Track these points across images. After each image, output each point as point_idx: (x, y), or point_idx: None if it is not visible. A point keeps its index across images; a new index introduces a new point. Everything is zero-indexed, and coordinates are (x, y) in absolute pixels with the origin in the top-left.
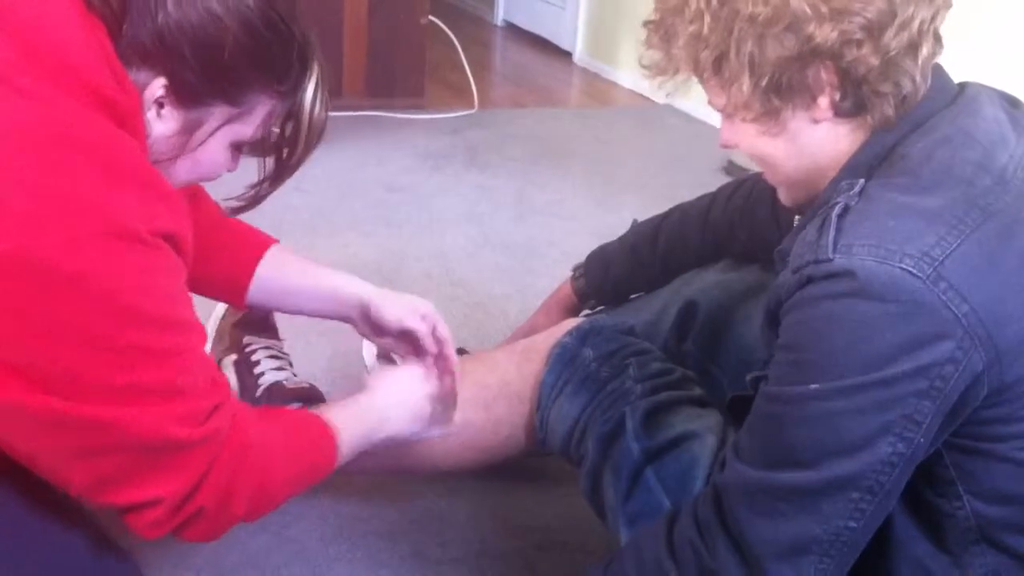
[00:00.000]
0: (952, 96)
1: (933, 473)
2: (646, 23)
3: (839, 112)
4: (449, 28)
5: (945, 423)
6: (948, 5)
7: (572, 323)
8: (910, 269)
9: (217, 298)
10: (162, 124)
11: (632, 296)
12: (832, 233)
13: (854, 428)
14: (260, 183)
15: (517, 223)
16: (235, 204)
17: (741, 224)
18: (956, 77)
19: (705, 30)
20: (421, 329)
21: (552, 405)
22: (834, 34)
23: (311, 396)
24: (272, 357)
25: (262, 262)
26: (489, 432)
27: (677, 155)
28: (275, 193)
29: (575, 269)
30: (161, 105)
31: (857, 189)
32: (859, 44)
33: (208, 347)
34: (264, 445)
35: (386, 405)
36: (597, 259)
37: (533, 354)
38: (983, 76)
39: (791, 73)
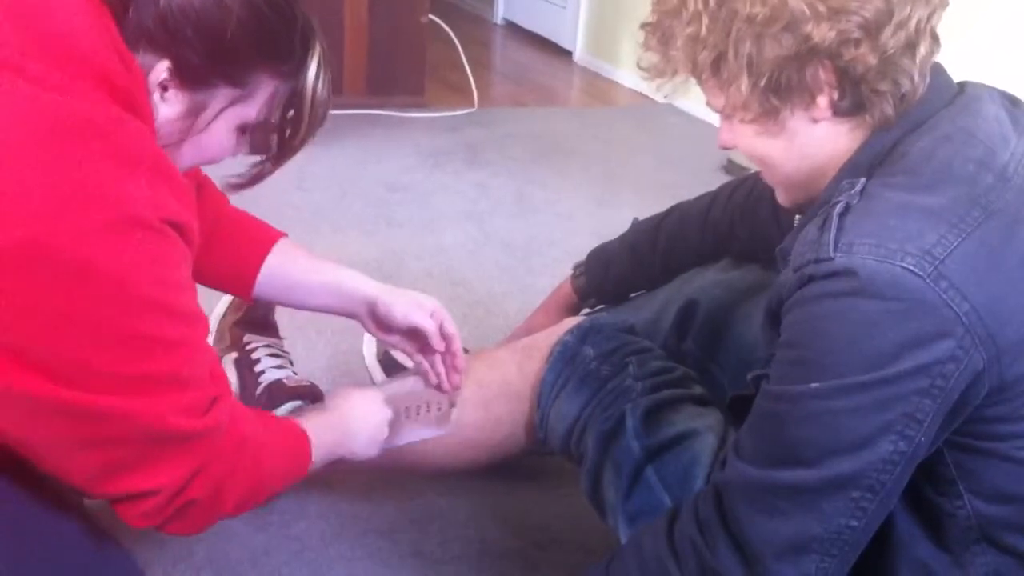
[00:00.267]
0: (952, 95)
1: (934, 472)
2: (643, 25)
3: (838, 111)
4: (449, 27)
5: (946, 422)
6: (945, 4)
7: (573, 322)
8: (911, 268)
9: (224, 290)
10: (167, 107)
11: (632, 295)
12: (833, 232)
13: (855, 427)
14: (263, 161)
15: (517, 222)
16: (236, 181)
17: (742, 223)
18: (953, 76)
19: (703, 31)
20: (429, 326)
21: (552, 403)
22: (832, 33)
23: (311, 394)
24: (272, 355)
25: (270, 256)
26: (489, 430)
27: (677, 154)
28: (275, 191)
29: (575, 268)
30: (165, 88)
31: (858, 188)
32: (857, 43)
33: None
34: (256, 440)
35: (350, 423)
36: (597, 258)
37: (534, 352)
38: (980, 75)
39: (789, 73)
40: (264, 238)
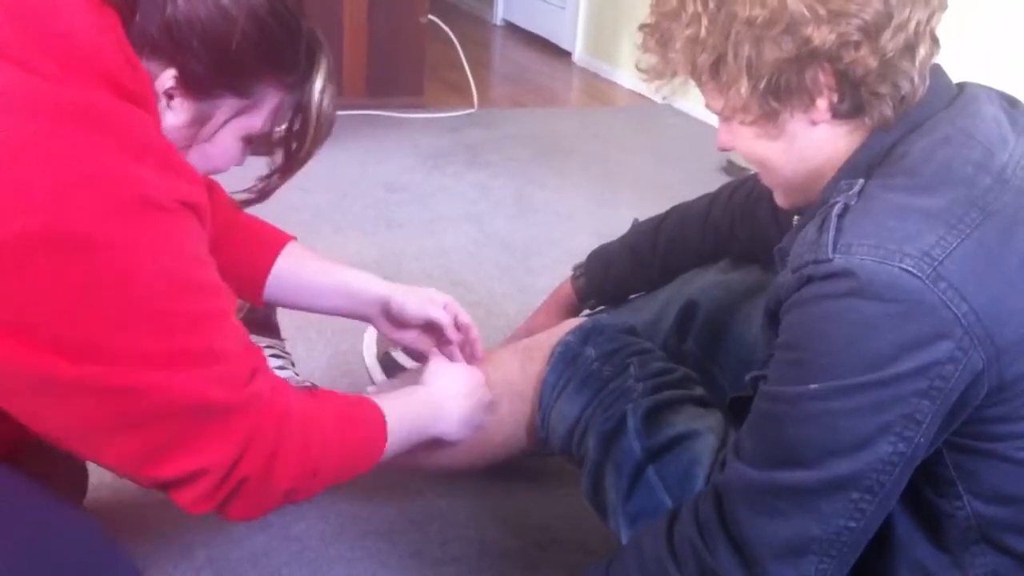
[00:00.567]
0: (951, 96)
1: (933, 473)
2: (642, 27)
3: (837, 114)
4: (449, 27)
5: (945, 423)
6: (944, 6)
7: (574, 322)
8: (910, 269)
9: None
10: (172, 115)
11: (632, 296)
12: (832, 233)
13: (854, 428)
14: (269, 176)
15: (517, 222)
16: (244, 196)
17: (742, 224)
18: (952, 77)
19: (702, 33)
20: (444, 318)
21: (554, 404)
22: (832, 36)
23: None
24: (274, 356)
25: (279, 259)
26: (491, 431)
27: (677, 155)
28: (275, 192)
29: (575, 269)
30: (171, 96)
31: (857, 189)
32: (857, 46)
33: None
34: (306, 416)
35: (441, 399)
36: (597, 259)
37: (535, 353)
38: (979, 76)
39: (789, 75)
40: (273, 241)
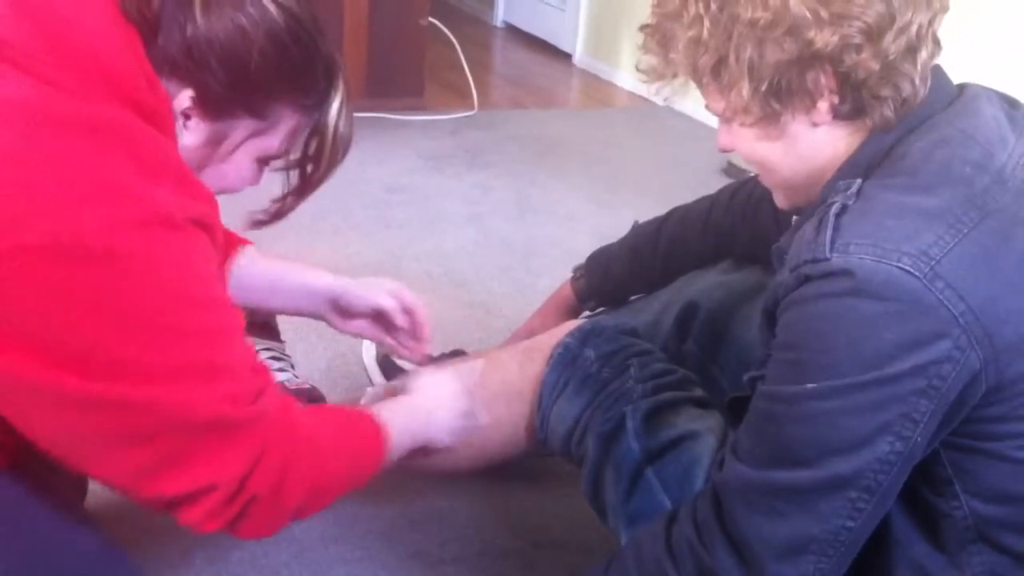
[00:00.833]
0: (951, 97)
1: (931, 472)
2: (643, 28)
3: (838, 116)
4: (449, 29)
5: (943, 422)
6: (945, 8)
7: (574, 324)
8: (908, 268)
9: None
10: (189, 135)
11: (632, 297)
12: (830, 232)
13: (852, 427)
14: (284, 197)
15: (517, 223)
16: (259, 218)
17: (742, 225)
18: (953, 79)
19: (704, 35)
20: (389, 304)
21: (553, 405)
22: (834, 38)
23: (312, 397)
24: (274, 358)
25: (235, 262)
26: (490, 432)
27: (677, 156)
28: (276, 193)
29: (575, 270)
30: (188, 116)
31: (855, 188)
32: (859, 48)
33: None
34: (314, 434)
35: (431, 407)
36: (597, 260)
37: (535, 354)
38: (980, 77)
39: (791, 78)
40: (228, 245)
